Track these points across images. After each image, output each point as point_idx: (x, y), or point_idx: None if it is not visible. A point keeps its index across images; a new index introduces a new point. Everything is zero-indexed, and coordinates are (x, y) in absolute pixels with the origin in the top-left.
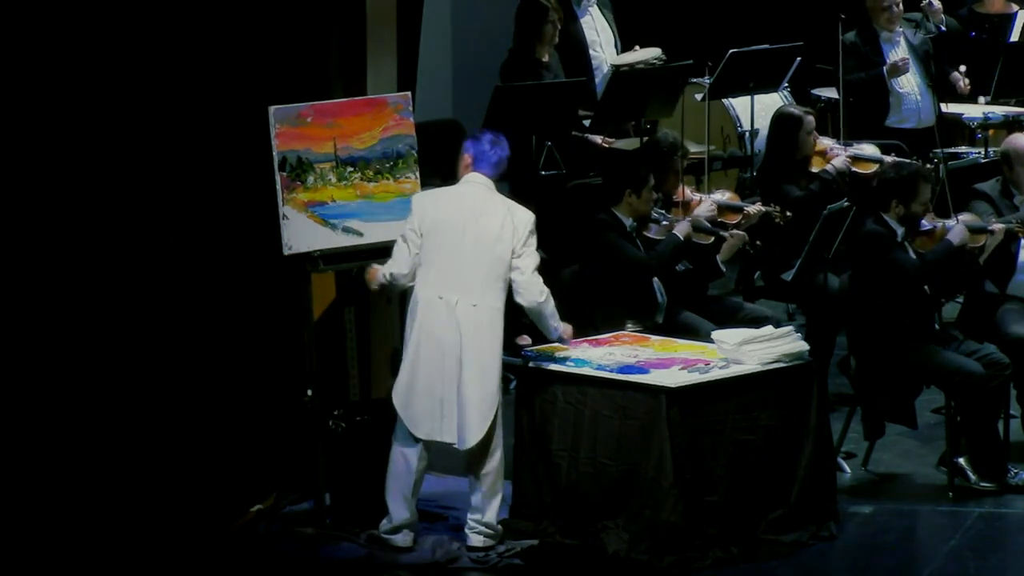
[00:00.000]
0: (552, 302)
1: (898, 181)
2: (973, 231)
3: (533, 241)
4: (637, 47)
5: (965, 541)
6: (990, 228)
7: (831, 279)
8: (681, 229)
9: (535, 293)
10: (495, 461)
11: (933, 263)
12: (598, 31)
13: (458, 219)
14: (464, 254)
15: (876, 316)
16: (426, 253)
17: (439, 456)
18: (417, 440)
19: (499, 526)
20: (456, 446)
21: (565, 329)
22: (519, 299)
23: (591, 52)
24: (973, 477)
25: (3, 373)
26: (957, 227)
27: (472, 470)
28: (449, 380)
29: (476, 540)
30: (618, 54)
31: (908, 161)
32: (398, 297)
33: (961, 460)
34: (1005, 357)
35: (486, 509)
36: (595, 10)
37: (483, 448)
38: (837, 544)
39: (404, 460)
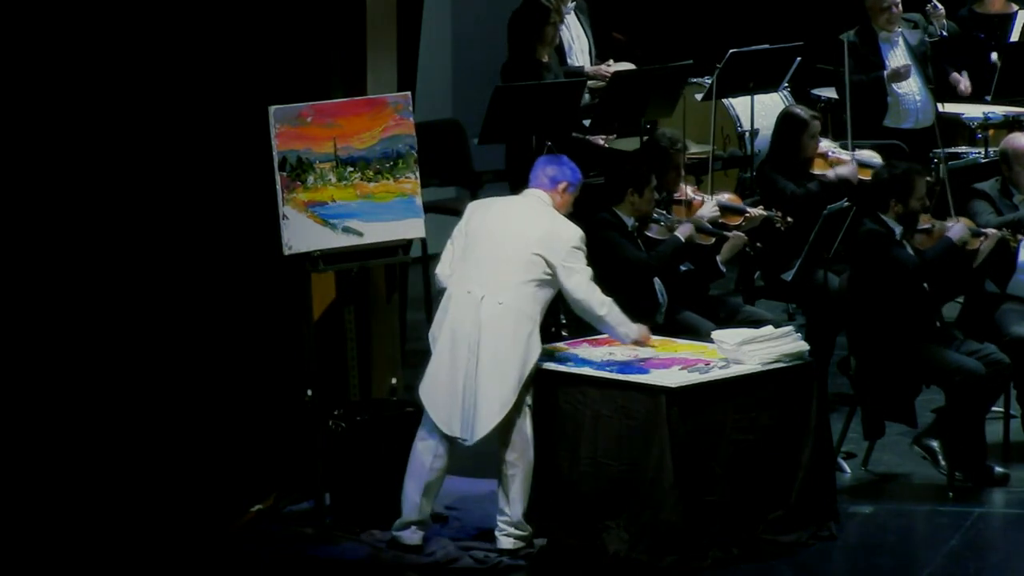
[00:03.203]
0: (615, 311)
1: (892, 180)
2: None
3: (580, 256)
4: (611, 60)
5: (965, 541)
6: (984, 232)
7: (831, 279)
8: (683, 231)
9: (595, 306)
10: (523, 463)
11: (932, 260)
12: (574, 37)
13: (501, 223)
14: (500, 254)
15: (876, 316)
16: (465, 251)
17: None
18: (436, 437)
19: (528, 526)
20: (464, 441)
21: (639, 331)
22: (582, 316)
23: (568, 60)
24: (943, 463)
25: (3, 373)
26: (957, 225)
27: (504, 473)
28: (467, 374)
29: (506, 543)
30: (592, 62)
31: (897, 160)
32: (398, 297)
33: (935, 443)
34: (1005, 357)
35: (514, 510)
36: (571, 17)
37: (509, 449)
38: (837, 544)
39: (420, 456)
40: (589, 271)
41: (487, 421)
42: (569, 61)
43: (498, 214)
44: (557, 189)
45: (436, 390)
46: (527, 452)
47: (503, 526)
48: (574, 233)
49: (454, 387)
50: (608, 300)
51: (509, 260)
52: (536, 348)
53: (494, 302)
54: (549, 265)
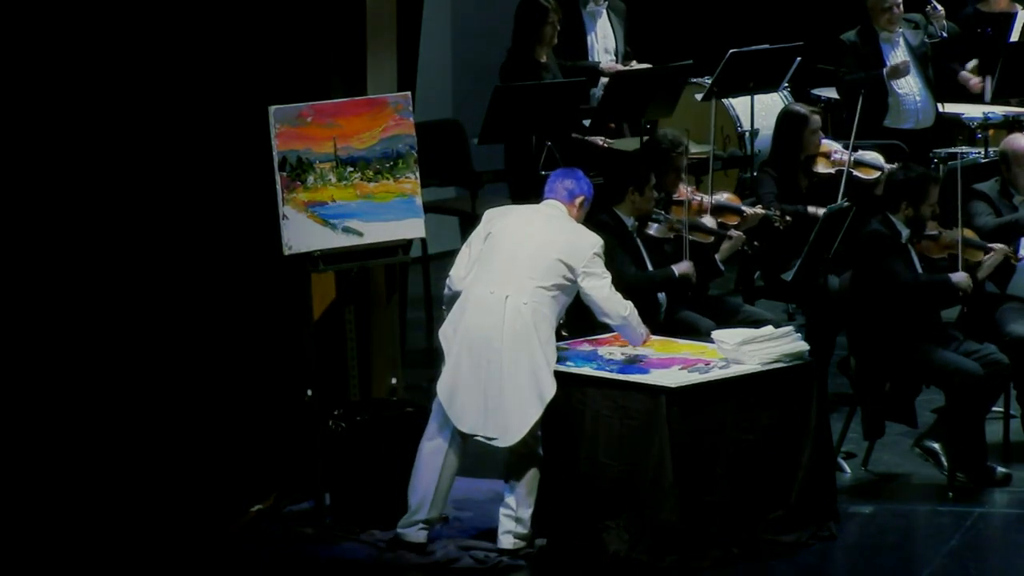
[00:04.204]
0: (635, 313)
1: (908, 183)
2: (971, 246)
3: (600, 263)
4: (635, 62)
5: (965, 541)
6: (990, 247)
7: (831, 279)
8: (680, 268)
9: (619, 308)
10: (533, 457)
11: (926, 285)
12: (599, 36)
13: (523, 228)
14: (521, 258)
15: (876, 316)
16: (485, 255)
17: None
18: (447, 437)
19: (529, 525)
20: (497, 443)
21: (647, 333)
22: (604, 319)
23: (590, 58)
24: (945, 464)
25: (4, 373)
26: (961, 274)
27: (511, 471)
28: (493, 374)
29: (507, 542)
30: (618, 62)
31: (914, 164)
32: (398, 297)
33: (936, 445)
34: (1005, 357)
35: (521, 512)
36: (603, 16)
37: (525, 450)
38: (837, 544)
39: (430, 455)
40: (609, 276)
41: (521, 425)
42: (590, 58)
43: (519, 220)
44: (574, 203)
45: (458, 392)
46: (536, 447)
47: (506, 521)
48: (595, 241)
49: (478, 388)
50: (629, 303)
51: (531, 263)
52: (554, 351)
53: (519, 302)
54: (570, 270)
